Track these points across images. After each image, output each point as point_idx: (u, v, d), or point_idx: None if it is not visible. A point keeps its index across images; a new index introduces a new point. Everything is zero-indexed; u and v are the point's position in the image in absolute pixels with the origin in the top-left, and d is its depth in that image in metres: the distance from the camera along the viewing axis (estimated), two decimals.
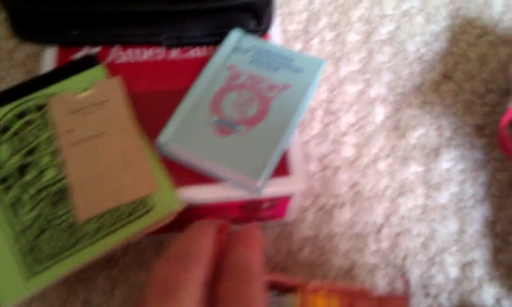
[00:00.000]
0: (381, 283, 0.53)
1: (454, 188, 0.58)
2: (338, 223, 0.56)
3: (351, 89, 0.65)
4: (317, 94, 0.64)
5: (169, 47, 0.57)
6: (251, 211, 0.52)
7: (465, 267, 0.54)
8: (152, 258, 0.53)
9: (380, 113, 0.63)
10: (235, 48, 0.55)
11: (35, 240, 0.43)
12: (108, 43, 0.56)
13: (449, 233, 0.56)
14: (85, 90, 0.51)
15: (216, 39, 0.57)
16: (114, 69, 0.55)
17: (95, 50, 0.56)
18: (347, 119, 0.63)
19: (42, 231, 0.43)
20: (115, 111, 0.50)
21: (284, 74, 0.53)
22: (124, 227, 0.44)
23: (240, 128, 0.49)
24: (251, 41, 0.56)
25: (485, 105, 0.64)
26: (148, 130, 0.50)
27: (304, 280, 0.44)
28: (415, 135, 0.62)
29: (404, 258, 0.54)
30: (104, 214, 0.45)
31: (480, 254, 0.55)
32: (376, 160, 0.60)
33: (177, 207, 0.46)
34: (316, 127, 0.62)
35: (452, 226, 0.56)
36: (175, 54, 0.57)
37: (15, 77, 0.64)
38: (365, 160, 0.60)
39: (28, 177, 0.46)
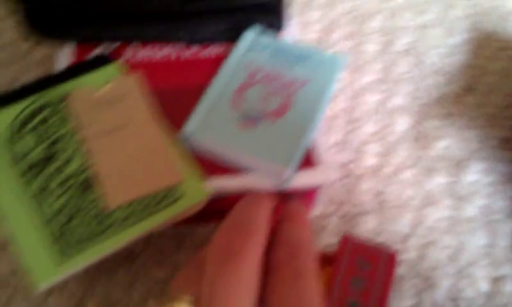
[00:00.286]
0: (408, 294, 0.50)
1: (481, 201, 0.56)
2: (361, 232, 0.54)
3: (371, 99, 0.63)
4: (336, 103, 0.63)
5: (186, 44, 0.55)
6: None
7: (496, 281, 0.52)
8: (173, 253, 0.51)
9: (402, 123, 0.61)
10: (253, 46, 0.54)
11: (64, 227, 0.42)
12: (125, 41, 0.55)
13: (478, 246, 0.53)
14: (103, 86, 0.50)
15: (232, 37, 0.56)
16: (131, 66, 0.53)
17: (112, 47, 0.54)
18: (368, 128, 0.61)
19: (70, 219, 0.43)
20: (135, 105, 0.49)
21: (303, 70, 0.52)
22: (152, 215, 0.43)
23: (264, 121, 0.48)
24: (268, 38, 0.55)
25: (508, 119, 0.63)
26: (167, 125, 0.49)
27: None
28: (439, 146, 0.60)
29: (432, 269, 0.52)
30: (132, 203, 0.44)
31: (511, 269, 0.52)
32: (399, 170, 0.58)
33: (205, 196, 0.45)
34: (336, 136, 0.60)
35: (481, 239, 0.54)
36: (192, 51, 0.55)
37: (30, 78, 0.61)
38: (389, 169, 0.58)
39: (54, 166, 0.45)
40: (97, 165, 0.45)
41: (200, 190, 0.45)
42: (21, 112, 0.48)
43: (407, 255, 0.52)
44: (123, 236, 0.42)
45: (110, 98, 0.49)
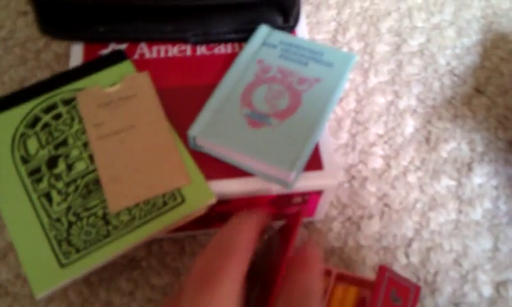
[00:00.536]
0: None
1: (487, 204, 0.56)
2: (365, 235, 0.54)
3: (380, 100, 0.63)
4: (345, 104, 0.63)
5: (196, 43, 0.56)
6: (281, 206, 0.50)
7: (499, 285, 0.51)
8: (174, 261, 0.52)
9: (410, 125, 0.61)
10: (264, 43, 0.54)
11: (68, 230, 0.42)
12: (135, 40, 0.56)
13: (483, 250, 0.53)
14: (113, 84, 0.50)
15: (242, 36, 0.56)
16: (141, 65, 0.54)
17: (122, 47, 0.55)
18: (375, 130, 0.61)
19: (74, 222, 0.43)
20: (144, 105, 0.49)
21: (314, 68, 0.52)
22: (157, 218, 0.43)
23: (272, 121, 0.48)
24: (279, 36, 0.55)
25: None
26: (174, 125, 0.49)
27: (331, 267, 0.44)
28: (446, 149, 0.59)
29: (435, 273, 0.52)
30: (136, 206, 0.44)
31: None
32: (405, 172, 0.58)
33: (210, 200, 0.45)
34: (343, 137, 0.60)
35: (486, 243, 0.54)
36: (201, 50, 0.56)
37: (42, 78, 0.62)
38: (394, 172, 0.58)
39: (58, 169, 0.45)
40: (100, 169, 0.45)
41: (206, 192, 0.45)
42: (31, 111, 0.48)
43: (410, 259, 0.52)
44: (127, 240, 0.42)
45: (118, 98, 0.49)
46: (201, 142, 0.47)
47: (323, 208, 0.52)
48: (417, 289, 0.43)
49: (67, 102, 0.49)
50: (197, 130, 0.47)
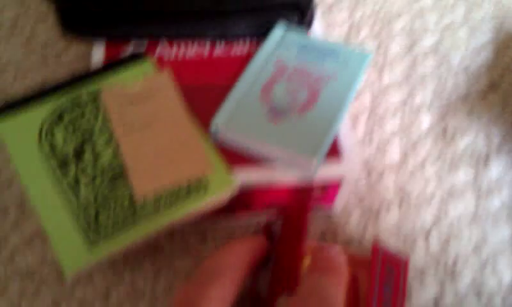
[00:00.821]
0: (431, 286, 0.50)
1: (505, 195, 0.56)
2: (384, 227, 0.54)
3: (395, 98, 0.64)
4: (360, 101, 0.63)
5: (214, 42, 0.57)
6: (300, 198, 0.51)
7: None
8: (196, 245, 0.52)
9: (425, 121, 0.62)
10: (281, 43, 0.55)
11: (96, 216, 0.44)
12: (155, 39, 0.57)
13: (501, 239, 0.53)
14: (135, 83, 0.52)
15: (259, 35, 0.57)
16: (160, 65, 0.55)
17: (143, 45, 0.56)
18: (391, 125, 0.61)
19: (102, 210, 0.44)
20: (167, 102, 0.50)
21: (330, 66, 0.53)
22: (181, 206, 0.44)
23: (292, 114, 0.49)
24: (295, 35, 0.56)
25: None
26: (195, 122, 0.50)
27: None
28: (463, 142, 0.60)
29: (455, 261, 0.52)
30: (161, 194, 0.45)
31: None
32: (423, 165, 0.58)
33: (233, 187, 0.46)
34: (359, 133, 0.61)
35: (505, 231, 0.54)
36: (219, 50, 0.57)
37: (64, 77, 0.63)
38: (412, 165, 0.58)
39: (84, 162, 0.46)
40: (129, 159, 0.47)
41: (229, 180, 0.46)
42: (57, 106, 0.49)
43: (430, 248, 0.53)
44: (154, 223, 0.43)
45: (142, 95, 0.51)
46: (223, 133, 0.48)
47: (342, 199, 0.52)
48: (406, 262, 0.44)
49: (91, 100, 0.50)
50: (218, 123, 0.48)
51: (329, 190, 0.51)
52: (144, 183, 0.45)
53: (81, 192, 0.45)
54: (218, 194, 0.45)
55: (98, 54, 0.56)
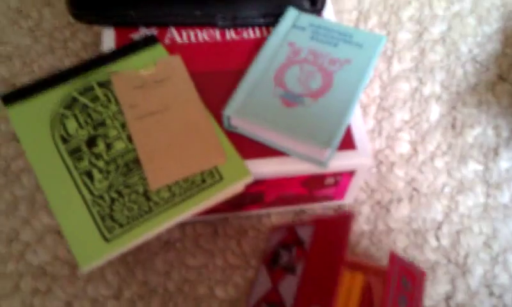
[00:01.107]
0: (442, 280, 0.51)
1: None
2: (395, 219, 0.54)
3: (404, 87, 0.64)
4: (370, 91, 0.63)
5: (224, 27, 0.56)
6: (313, 188, 0.51)
7: None
8: (207, 242, 0.52)
9: (435, 111, 0.62)
10: (293, 26, 0.55)
11: (111, 206, 0.43)
12: (164, 24, 0.56)
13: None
14: (147, 68, 0.51)
15: (270, 20, 0.56)
16: (171, 50, 0.54)
17: (152, 31, 0.55)
18: (401, 116, 0.61)
19: (116, 199, 0.43)
20: (178, 87, 0.50)
21: (344, 49, 0.52)
22: (196, 195, 0.44)
23: (305, 100, 0.48)
24: (308, 18, 0.56)
25: None
26: (207, 108, 0.50)
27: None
28: (472, 134, 0.60)
29: (466, 256, 0.52)
30: (176, 183, 0.44)
31: None
32: (432, 157, 0.58)
33: (247, 177, 0.45)
34: (369, 123, 0.61)
35: None
36: (229, 35, 0.56)
37: (70, 66, 0.63)
38: (422, 157, 0.58)
39: (98, 149, 0.46)
40: (142, 146, 0.46)
41: (243, 170, 0.45)
42: (68, 92, 0.49)
43: (441, 242, 0.53)
44: (168, 215, 0.43)
45: (155, 79, 0.50)
46: (235, 121, 0.47)
47: (353, 190, 0.52)
48: (423, 274, 0.44)
49: (103, 84, 0.49)
50: (232, 109, 0.47)
51: (342, 180, 0.50)
52: (158, 172, 0.45)
53: (95, 181, 0.44)
54: (233, 183, 0.45)
55: (108, 39, 0.55)
